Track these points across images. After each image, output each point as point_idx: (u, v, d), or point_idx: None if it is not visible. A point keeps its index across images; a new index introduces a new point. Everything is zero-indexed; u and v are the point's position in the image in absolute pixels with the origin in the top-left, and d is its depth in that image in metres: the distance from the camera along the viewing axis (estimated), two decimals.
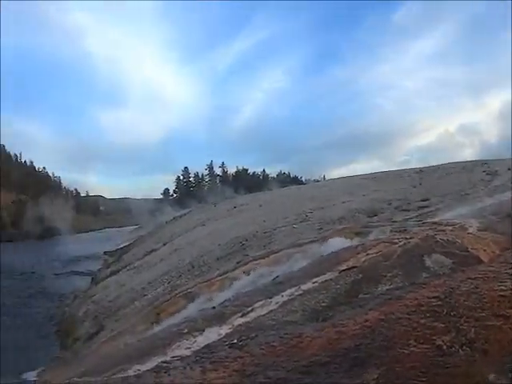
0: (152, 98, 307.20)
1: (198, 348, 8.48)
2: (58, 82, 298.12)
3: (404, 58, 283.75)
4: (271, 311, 9.10)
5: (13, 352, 20.14)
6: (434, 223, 14.37)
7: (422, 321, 6.95)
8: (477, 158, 39.64)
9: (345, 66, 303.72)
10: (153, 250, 34.34)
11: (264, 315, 9.00)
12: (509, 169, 26.36)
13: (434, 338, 6.41)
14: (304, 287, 9.85)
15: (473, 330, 6.52)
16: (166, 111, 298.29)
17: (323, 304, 8.64)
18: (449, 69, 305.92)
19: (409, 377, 5.61)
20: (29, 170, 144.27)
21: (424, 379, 5.53)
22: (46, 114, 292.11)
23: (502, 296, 7.41)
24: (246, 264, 15.52)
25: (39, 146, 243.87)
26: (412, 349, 6.22)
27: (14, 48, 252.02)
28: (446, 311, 7.17)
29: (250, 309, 9.68)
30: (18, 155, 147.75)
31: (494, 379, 5.47)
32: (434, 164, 39.29)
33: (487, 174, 27.34)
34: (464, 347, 6.15)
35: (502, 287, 7.80)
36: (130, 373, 8.45)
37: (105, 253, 57.15)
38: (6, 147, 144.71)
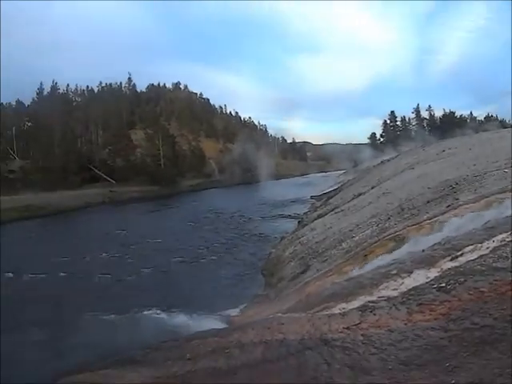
0: (352, 44, 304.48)
1: (405, 290, 8.73)
2: (257, 38, 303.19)
3: None
4: (481, 256, 8.98)
5: (218, 289, 21.69)
6: None
7: None
8: None
9: None
10: (360, 194, 34.14)
11: (474, 260, 8.92)
12: None
13: None
14: None
15: None
16: (369, 57, 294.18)
17: None
18: None
19: None
20: (234, 120, 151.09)
21: None
22: (246, 67, 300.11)
23: None
24: (456, 208, 15.18)
25: (243, 97, 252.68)
26: None
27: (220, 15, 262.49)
28: None
29: (459, 253, 9.66)
30: (223, 107, 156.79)
31: None
32: None
33: None
34: None
35: None
36: (335, 310, 8.93)
37: (311, 197, 58.47)
38: (210, 100, 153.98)
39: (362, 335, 7.18)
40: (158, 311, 16.40)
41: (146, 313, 16.43)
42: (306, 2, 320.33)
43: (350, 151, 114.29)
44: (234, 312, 16.48)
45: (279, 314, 10.57)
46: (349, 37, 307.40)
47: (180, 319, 15.13)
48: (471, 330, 6.25)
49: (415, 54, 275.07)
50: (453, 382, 5.40)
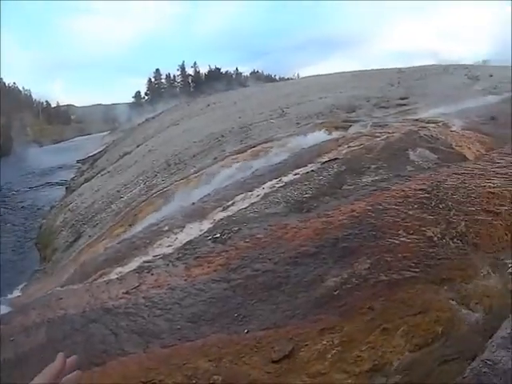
0: (122, 4, 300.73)
1: (179, 245, 8.34)
2: None
3: None
4: (253, 204, 8.94)
5: None
6: (416, 120, 14.10)
7: (411, 212, 6.88)
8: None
9: None
10: (126, 153, 33.82)
11: (246, 208, 8.84)
12: (490, 75, 26.07)
13: (424, 229, 6.35)
14: (285, 179, 9.73)
15: (463, 223, 6.44)
16: (137, 16, 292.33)
17: (306, 195, 8.51)
18: None
19: (401, 267, 5.53)
20: None
21: (417, 270, 5.46)
22: (10, 29, 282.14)
23: (490, 193, 7.32)
24: (223, 159, 15.29)
25: (7, 61, 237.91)
26: (402, 239, 6.14)
27: None
28: (434, 203, 7.10)
29: (230, 202, 9.52)
30: None
31: (486, 274, 5.40)
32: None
33: (468, 77, 27.05)
34: (455, 240, 6.10)
35: (490, 184, 7.71)
36: (112, 276, 8.29)
37: (78, 161, 56.06)
38: None
39: (143, 298, 6.66)
40: None
41: None
42: None
43: (115, 111, 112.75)
44: (15, 293, 15.20)
45: (58, 288, 9.78)
46: None
47: None
48: (254, 277, 6.12)
49: (184, 11, 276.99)
50: (246, 331, 5.22)
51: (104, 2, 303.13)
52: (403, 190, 7.73)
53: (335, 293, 5.30)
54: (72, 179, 39.47)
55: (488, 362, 3.61)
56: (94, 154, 51.66)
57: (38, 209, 31.84)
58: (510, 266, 5.41)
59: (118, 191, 21.46)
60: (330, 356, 4.45)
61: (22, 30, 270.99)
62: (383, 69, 40.12)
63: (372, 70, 41.02)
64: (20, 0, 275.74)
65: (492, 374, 3.50)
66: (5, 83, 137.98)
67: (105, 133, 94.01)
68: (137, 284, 7.22)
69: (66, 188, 34.52)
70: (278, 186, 9.49)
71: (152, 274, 7.39)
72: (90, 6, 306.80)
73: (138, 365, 5.30)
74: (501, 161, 9.13)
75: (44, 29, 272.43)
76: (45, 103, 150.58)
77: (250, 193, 9.66)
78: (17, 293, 14.64)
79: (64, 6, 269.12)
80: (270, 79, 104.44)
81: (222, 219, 8.78)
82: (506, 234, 6.16)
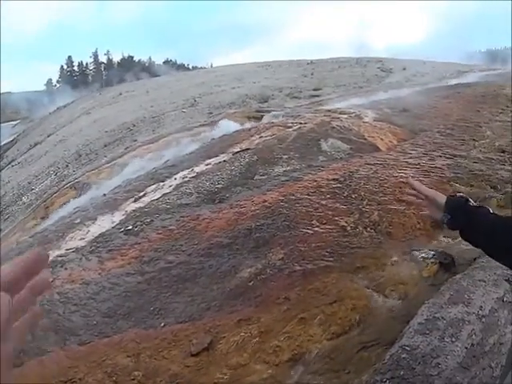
0: None
1: (92, 238, 8.10)
2: None
3: None
4: (165, 194, 8.83)
5: None
6: (328, 111, 14.19)
7: (323, 202, 6.89)
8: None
9: None
10: (37, 143, 32.81)
11: (158, 199, 8.71)
12: (404, 68, 26.77)
13: (337, 218, 6.38)
14: (197, 169, 9.68)
15: (376, 212, 6.51)
16: (50, 2, 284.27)
17: (218, 185, 8.47)
18: None
19: (315, 257, 5.52)
20: None
21: (331, 259, 5.47)
22: None
23: (403, 183, 7.36)
24: (134, 149, 15.08)
25: None
26: (315, 229, 6.15)
27: None
28: (346, 193, 7.14)
29: (142, 193, 9.38)
30: None
31: (400, 261, 5.46)
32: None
33: (382, 70, 27.74)
34: (368, 229, 6.16)
35: (402, 174, 7.83)
36: None
37: None
38: None
39: (57, 293, 6.39)
40: None
41: None
42: None
43: (26, 99, 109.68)
44: None
45: None
46: None
47: None
48: (167, 270, 6.06)
49: (98, 3, 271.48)
50: (162, 324, 5.16)
51: None
52: (315, 180, 7.77)
53: (250, 284, 5.31)
54: None
55: (406, 347, 3.64)
56: (4, 145, 50.08)
57: None
58: (423, 253, 5.46)
59: (29, 183, 20.86)
60: (248, 347, 4.47)
61: None
62: (297, 59, 40.51)
63: (286, 60, 41.38)
64: None
65: (410, 359, 3.51)
66: None
67: (15, 122, 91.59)
68: (51, 279, 6.98)
69: None
70: (189, 176, 9.43)
71: (65, 269, 7.14)
72: None
73: (57, 363, 5.09)
74: (412, 151, 9.33)
75: None
76: None
77: (162, 183, 9.57)
78: None
79: None
80: (183, 68, 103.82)
81: (134, 211, 8.61)
82: (419, 223, 6.26)
